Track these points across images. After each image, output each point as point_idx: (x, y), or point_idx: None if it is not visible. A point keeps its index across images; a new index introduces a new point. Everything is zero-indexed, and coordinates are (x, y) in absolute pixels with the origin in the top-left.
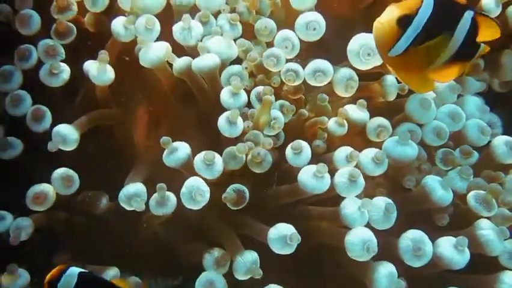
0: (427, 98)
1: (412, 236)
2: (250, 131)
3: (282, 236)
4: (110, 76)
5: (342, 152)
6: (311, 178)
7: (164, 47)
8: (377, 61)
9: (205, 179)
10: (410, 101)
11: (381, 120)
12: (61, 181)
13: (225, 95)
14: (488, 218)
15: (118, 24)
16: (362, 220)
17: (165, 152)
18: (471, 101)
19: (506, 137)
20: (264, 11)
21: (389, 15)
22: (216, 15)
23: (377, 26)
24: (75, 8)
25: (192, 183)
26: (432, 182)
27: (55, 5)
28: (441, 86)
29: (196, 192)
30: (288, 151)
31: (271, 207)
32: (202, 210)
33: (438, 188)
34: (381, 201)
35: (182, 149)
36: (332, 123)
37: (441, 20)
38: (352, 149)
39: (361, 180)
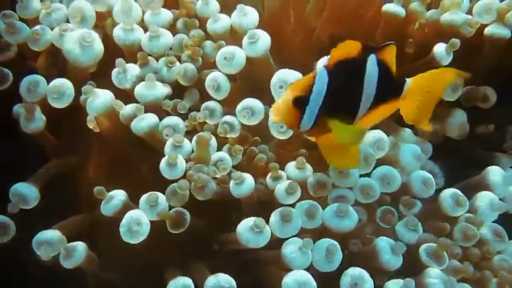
0: None
1: (352, 273)
2: (193, 167)
3: (219, 287)
4: (39, 124)
5: (283, 185)
6: (247, 231)
7: (109, 94)
8: None
9: None
10: (330, 168)
11: (319, 177)
12: None
13: (168, 148)
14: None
15: (24, 85)
16: (303, 260)
17: (102, 203)
18: (407, 148)
19: (452, 190)
20: (211, 55)
21: (284, 99)
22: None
23: (274, 111)
24: (14, 49)
25: (131, 214)
26: (383, 244)
27: None
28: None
29: (133, 222)
30: (231, 182)
31: (225, 250)
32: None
33: (387, 252)
34: (324, 243)
35: (118, 196)
36: (267, 178)
37: (344, 79)
38: (290, 181)
39: (295, 220)
